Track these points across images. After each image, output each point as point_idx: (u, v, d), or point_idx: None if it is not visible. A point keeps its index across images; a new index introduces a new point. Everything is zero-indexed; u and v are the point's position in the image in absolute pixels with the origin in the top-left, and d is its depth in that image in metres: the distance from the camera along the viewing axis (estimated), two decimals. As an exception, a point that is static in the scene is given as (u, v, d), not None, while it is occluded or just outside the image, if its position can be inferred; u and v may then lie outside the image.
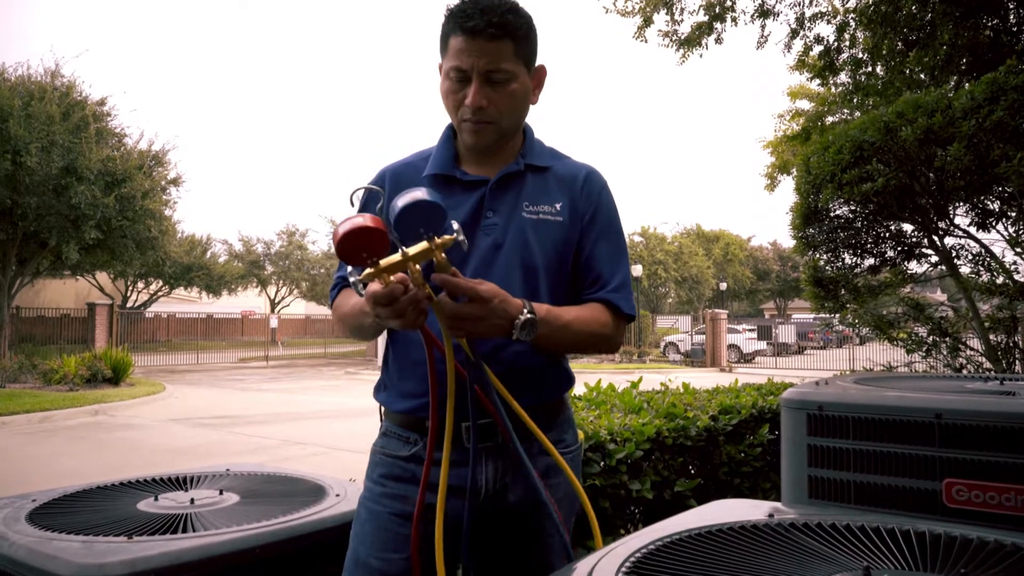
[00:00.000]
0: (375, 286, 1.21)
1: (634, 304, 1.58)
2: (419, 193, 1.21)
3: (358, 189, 1.37)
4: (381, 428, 1.57)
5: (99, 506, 1.88)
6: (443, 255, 1.23)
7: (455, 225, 1.24)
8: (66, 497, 1.95)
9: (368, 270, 1.20)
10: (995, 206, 4.17)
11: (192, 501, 1.87)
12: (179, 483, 2.11)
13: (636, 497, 2.59)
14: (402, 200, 1.21)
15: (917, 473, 1.73)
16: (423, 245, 1.21)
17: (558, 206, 1.54)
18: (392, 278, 1.20)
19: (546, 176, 1.57)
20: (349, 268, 1.25)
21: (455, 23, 1.42)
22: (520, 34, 1.44)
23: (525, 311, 1.32)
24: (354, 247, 1.18)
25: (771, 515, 1.31)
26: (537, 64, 1.53)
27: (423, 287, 1.23)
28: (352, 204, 1.36)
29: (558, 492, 1.52)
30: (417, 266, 1.22)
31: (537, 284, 1.49)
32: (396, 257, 1.20)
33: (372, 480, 1.53)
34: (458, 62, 1.42)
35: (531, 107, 1.55)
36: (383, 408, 1.58)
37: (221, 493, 1.96)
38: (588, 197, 1.57)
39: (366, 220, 1.18)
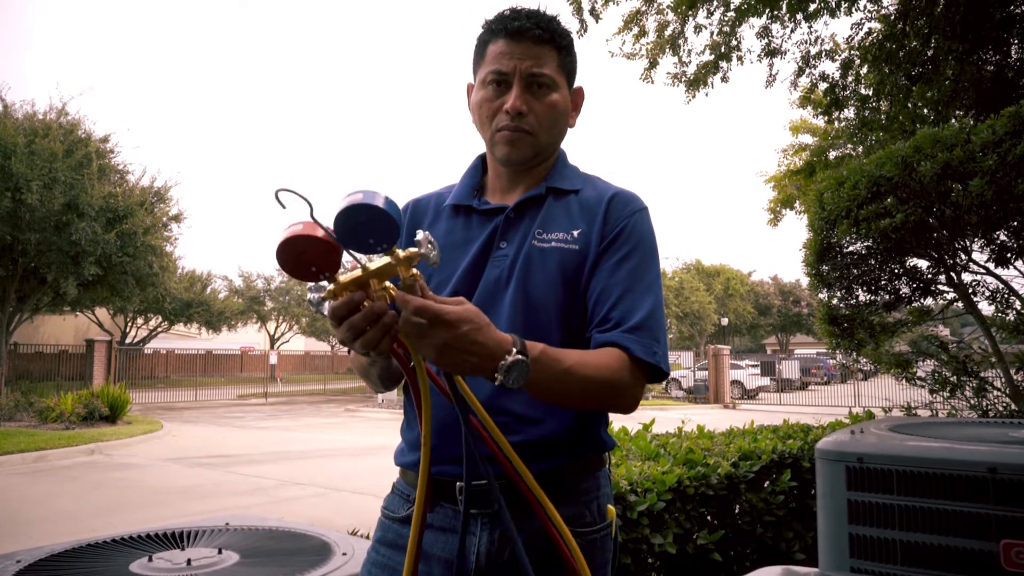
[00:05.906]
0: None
1: (658, 352, 1.24)
2: (358, 196, 1.01)
3: (281, 190, 1.04)
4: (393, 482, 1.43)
5: (90, 567, 1.75)
6: (412, 271, 1.03)
7: (420, 235, 1.05)
8: (53, 557, 1.83)
9: (328, 287, 1.03)
10: (1011, 241, 4.09)
11: (189, 562, 1.75)
12: (175, 540, 1.99)
13: (658, 551, 2.45)
14: (342, 203, 1.02)
15: (971, 533, 1.60)
16: (386, 259, 1.02)
17: (575, 233, 1.32)
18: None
19: (569, 200, 1.37)
20: (310, 288, 1.07)
21: (497, 27, 1.33)
22: (563, 43, 1.35)
23: (514, 351, 1.05)
24: (296, 260, 1.01)
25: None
26: (576, 85, 1.42)
27: (387, 300, 1.03)
28: (282, 206, 1.06)
29: None
30: (387, 283, 1.03)
31: (548, 324, 1.28)
32: (356, 272, 1.02)
33: (371, 544, 1.38)
34: (498, 65, 1.32)
35: (569, 131, 1.43)
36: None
37: (220, 552, 1.84)
38: (613, 219, 1.33)
39: (303, 227, 1.00)
